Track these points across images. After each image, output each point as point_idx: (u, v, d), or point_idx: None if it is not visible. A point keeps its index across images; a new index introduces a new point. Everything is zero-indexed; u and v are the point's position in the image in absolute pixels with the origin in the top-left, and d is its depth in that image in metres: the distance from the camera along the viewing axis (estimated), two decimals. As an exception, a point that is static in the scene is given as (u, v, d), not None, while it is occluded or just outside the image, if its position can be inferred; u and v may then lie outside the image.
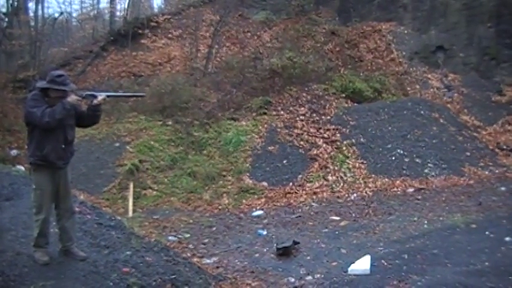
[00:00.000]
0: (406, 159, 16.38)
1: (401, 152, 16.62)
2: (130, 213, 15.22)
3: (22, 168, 14.96)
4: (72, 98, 6.95)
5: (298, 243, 11.54)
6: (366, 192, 15.33)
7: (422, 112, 17.71)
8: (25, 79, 22.99)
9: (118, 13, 32.16)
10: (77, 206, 9.25)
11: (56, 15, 31.80)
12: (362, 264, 9.44)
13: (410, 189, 15.12)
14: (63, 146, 7.13)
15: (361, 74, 21.41)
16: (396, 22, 24.10)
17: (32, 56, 25.44)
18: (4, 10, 28.76)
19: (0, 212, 9.20)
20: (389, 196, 14.71)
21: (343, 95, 20.10)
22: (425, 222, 12.26)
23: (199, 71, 23.53)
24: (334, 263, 10.34)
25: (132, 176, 17.04)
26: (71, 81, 7.29)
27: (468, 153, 17.04)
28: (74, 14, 34.83)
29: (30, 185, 8.07)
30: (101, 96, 7.25)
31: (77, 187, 15.42)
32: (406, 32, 23.54)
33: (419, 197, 14.39)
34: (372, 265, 9.26)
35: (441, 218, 12.46)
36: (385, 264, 9.28)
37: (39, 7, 30.01)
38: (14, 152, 19.08)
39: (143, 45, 26.37)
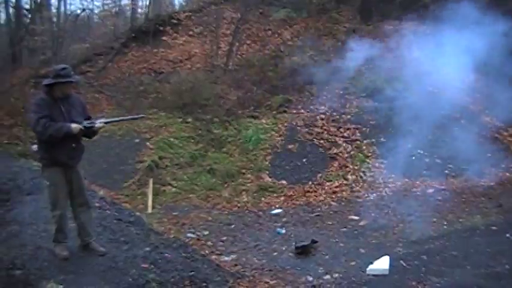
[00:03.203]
0: (427, 160, 16.29)
1: (422, 152, 16.53)
2: (149, 210, 15.27)
3: (43, 163, 15.06)
4: (75, 127, 7.11)
5: (317, 242, 11.54)
6: (385, 192, 15.25)
7: (443, 112, 17.57)
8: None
9: (139, 10, 32.18)
10: (97, 202, 9.35)
11: (78, 11, 31.94)
12: (381, 265, 9.43)
13: (430, 190, 15.01)
14: (73, 145, 7.22)
15: (382, 73, 21.26)
16: (418, 21, 23.90)
17: (54, 52, 25.56)
18: (27, 6, 29.04)
19: (22, 206, 9.32)
20: (409, 196, 14.61)
21: (364, 94, 20.00)
22: (445, 223, 12.21)
23: (219, 69, 23.54)
24: (352, 263, 10.34)
25: (151, 173, 17.10)
26: (74, 73, 7.46)
27: (489, 155, 16.87)
28: (96, 11, 34.90)
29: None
30: (100, 124, 7.50)
31: (96, 182, 15.53)
32: (428, 31, 23.33)
33: (439, 198, 14.28)
34: (390, 265, 9.24)
35: (461, 220, 12.40)
36: (404, 265, 9.26)
37: (62, 3, 30.17)
38: (35, 147, 19.17)
39: (164, 42, 26.40)
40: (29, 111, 7.13)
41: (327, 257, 10.94)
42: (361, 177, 16.23)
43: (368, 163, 16.74)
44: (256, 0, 26.04)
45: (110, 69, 25.40)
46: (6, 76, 25.15)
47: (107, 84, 23.77)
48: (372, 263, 9.70)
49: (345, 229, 12.84)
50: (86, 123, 7.29)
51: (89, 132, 7.40)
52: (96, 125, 7.40)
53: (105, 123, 7.68)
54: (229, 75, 22.96)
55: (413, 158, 16.33)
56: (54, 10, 29.43)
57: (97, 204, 9.17)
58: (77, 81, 7.39)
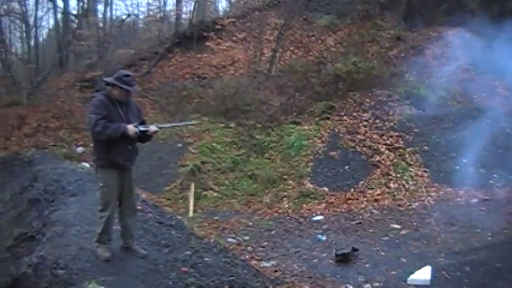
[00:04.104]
0: (471, 169, 15.98)
1: (466, 161, 16.22)
2: (190, 214, 15.38)
3: (87, 165, 15.34)
4: (132, 130, 7.19)
5: (358, 250, 11.47)
6: (428, 201, 15.04)
7: (488, 121, 17.28)
8: (92, 79, 23.56)
9: (184, 16, 32.44)
10: (139, 205, 9.44)
11: (124, 17, 32.41)
12: (422, 275, 9.33)
13: (474, 200, 14.76)
14: (129, 148, 7.33)
15: (426, 81, 21.03)
16: (463, 28, 23.57)
17: (100, 56, 26.02)
18: (75, 12, 29.62)
19: (66, 207, 9.46)
20: (452, 206, 14.39)
21: (407, 102, 19.79)
22: (489, 234, 11.97)
23: (262, 74, 23.58)
24: (393, 272, 10.24)
25: (193, 177, 17.23)
26: (136, 83, 7.55)
27: (536, 165, 16.55)
28: (141, 16, 35.35)
29: (94, 182, 8.27)
30: (154, 128, 7.56)
31: (139, 186, 15.66)
32: (473, 38, 22.97)
33: (483, 208, 14.03)
34: (432, 276, 9.13)
35: (505, 231, 12.13)
36: (446, 275, 9.14)
37: (108, 9, 30.69)
38: (79, 149, 19.55)
39: (208, 48, 26.61)
40: (88, 113, 7.23)
41: (367, 265, 10.85)
42: (403, 185, 16.05)
43: (411, 171, 16.53)
44: (300, 6, 26.01)
45: (154, 74, 25.72)
46: (54, 80, 25.69)
47: (150, 88, 24.04)
48: (413, 272, 9.60)
49: (386, 238, 12.72)
50: (141, 127, 7.37)
51: (143, 136, 7.47)
52: (151, 129, 7.49)
53: (159, 128, 7.76)
54: (272, 81, 22.99)
55: (457, 167, 16.07)
56: (100, 16, 29.96)
57: (139, 207, 9.24)
58: (134, 91, 7.47)
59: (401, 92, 20.27)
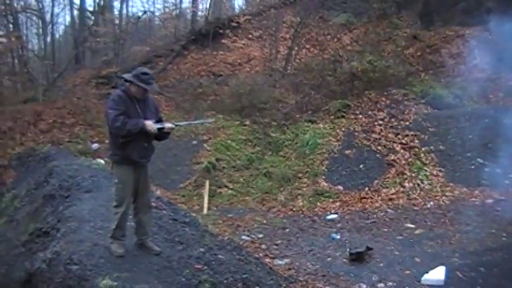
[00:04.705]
0: (486, 169, 15.87)
1: (482, 161, 16.12)
2: (205, 211, 15.42)
3: (102, 161, 15.43)
4: (150, 125, 7.23)
5: (372, 249, 11.43)
6: (443, 201, 14.96)
7: (505, 121, 17.15)
8: (108, 75, 23.69)
9: (200, 13, 32.59)
10: (154, 201, 9.48)
11: (140, 14, 32.58)
12: (436, 275, 9.30)
13: (490, 200, 14.65)
14: (145, 145, 7.35)
15: (442, 80, 20.92)
16: (481, 27, 23.42)
17: (116, 53, 26.17)
18: (91, 9, 29.83)
19: (80, 203, 9.52)
20: (467, 206, 14.30)
21: (423, 101, 19.67)
22: (504, 235, 11.87)
23: (278, 72, 23.57)
24: (407, 272, 10.20)
25: (208, 174, 17.27)
26: (154, 81, 7.56)
27: (552, 165, 16.42)
28: (157, 13, 35.46)
29: (109, 178, 8.30)
30: (170, 125, 7.60)
31: (154, 183, 15.73)
32: (490, 37, 22.82)
33: (499, 209, 13.91)
34: (446, 276, 9.09)
35: (521, 232, 12.07)
36: (460, 276, 9.09)
37: (124, 6, 30.85)
38: (95, 145, 19.65)
39: (223, 45, 26.67)
40: (107, 108, 7.26)
41: (381, 264, 10.82)
42: (418, 184, 15.98)
43: (426, 171, 16.45)
44: (316, 4, 25.96)
45: (170, 71, 25.81)
46: (70, 76, 25.88)
47: (166, 85, 24.12)
48: (427, 272, 9.57)
49: (400, 237, 12.66)
50: (157, 125, 7.38)
51: (161, 134, 7.48)
52: (166, 127, 7.50)
53: (175, 125, 7.78)
54: (287, 79, 22.98)
55: (473, 166, 15.98)
56: (116, 12, 30.14)
57: (153, 204, 9.28)
58: (151, 90, 7.47)
59: (417, 91, 20.16)
